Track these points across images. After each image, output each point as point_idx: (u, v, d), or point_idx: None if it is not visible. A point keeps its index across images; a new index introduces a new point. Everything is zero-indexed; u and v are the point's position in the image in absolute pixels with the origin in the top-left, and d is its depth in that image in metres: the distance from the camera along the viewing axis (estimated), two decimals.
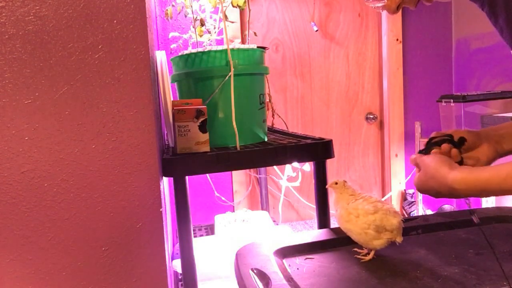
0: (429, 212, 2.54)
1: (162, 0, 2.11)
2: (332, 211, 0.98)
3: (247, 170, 2.32)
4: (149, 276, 0.95)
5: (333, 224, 0.93)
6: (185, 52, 1.15)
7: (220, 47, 1.12)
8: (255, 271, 0.78)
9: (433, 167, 0.72)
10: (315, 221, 1.58)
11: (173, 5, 1.29)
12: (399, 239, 0.81)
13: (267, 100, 1.34)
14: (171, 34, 1.37)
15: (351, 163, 2.60)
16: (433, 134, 0.80)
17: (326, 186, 0.88)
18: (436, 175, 0.71)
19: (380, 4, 0.81)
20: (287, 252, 0.88)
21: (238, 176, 2.32)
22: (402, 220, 0.81)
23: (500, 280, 0.69)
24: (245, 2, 1.21)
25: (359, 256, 0.84)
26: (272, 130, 1.50)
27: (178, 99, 1.17)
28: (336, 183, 0.87)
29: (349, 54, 2.54)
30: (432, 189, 0.72)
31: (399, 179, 2.59)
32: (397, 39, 2.48)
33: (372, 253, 0.82)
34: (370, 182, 2.65)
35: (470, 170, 0.69)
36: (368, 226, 0.79)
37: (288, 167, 2.34)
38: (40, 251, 0.89)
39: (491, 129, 0.82)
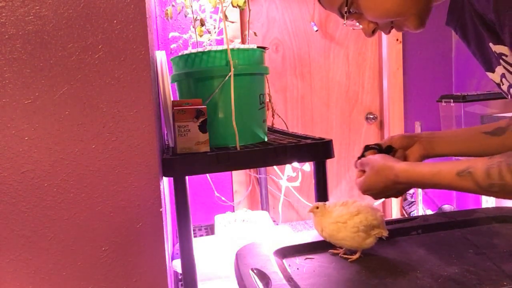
0: (429, 212, 2.54)
1: (162, 0, 2.11)
2: None
3: (247, 170, 2.32)
4: (149, 276, 0.95)
5: None
6: (185, 52, 1.15)
7: (220, 47, 1.12)
8: (255, 271, 0.78)
9: (381, 161, 0.79)
10: None
11: (173, 5, 1.29)
12: (385, 233, 0.83)
13: (267, 100, 1.34)
14: (171, 34, 1.37)
15: (351, 163, 2.60)
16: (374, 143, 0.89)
17: (307, 211, 0.89)
18: (383, 167, 0.78)
19: (356, 27, 0.84)
20: (287, 252, 0.88)
21: (238, 176, 2.32)
22: (382, 214, 0.84)
23: (500, 280, 0.69)
24: (245, 2, 1.21)
25: (345, 256, 0.84)
26: (272, 130, 1.50)
27: (178, 99, 1.17)
28: (317, 208, 0.87)
29: (349, 54, 2.54)
30: (377, 184, 0.79)
31: None
32: (397, 39, 2.48)
33: (358, 252, 0.83)
34: None
35: (412, 163, 0.78)
36: (358, 228, 0.81)
37: (288, 167, 2.34)
38: (40, 251, 0.89)
39: (430, 132, 0.90)
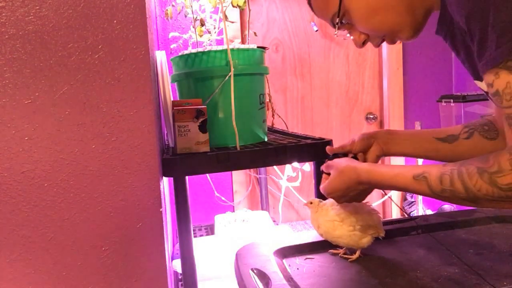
0: (429, 212, 2.54)
1: (162, 0, 2.11)
2: None
3: (247, 170, 2.32)
4: (149, 276, 0.95)
5: None
6: (185, 52, 1.15)
7: (220, 47, 1.12)
8: (255, 271, 0.78)
9: (344, 163, 0.82)
10: None
11: (173, 5, 1.29)
12: (382, 234, 0.84)
13: (267, 100, 1.34)
14: (171, 34, 1.37)
15: None
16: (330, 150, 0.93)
17: (303, 205, 0.91)
18: (347, 168, 0.80)
19: (347, 38, 0.86)
20: (287, 252, 0.88)
21: (238, 176, 2.32)
22: (379, 215, 0.86)
23: (500, 280, 0.69)
24: (245, 2, 1.21)
25: (345, 256, 0.84)
26: (272, 130, 1.50)
27: (178, 99, 1.17)
28: (311, 203, 0.89)
29: (349, 54, 2.54)
30: (340, 185, 0.80)
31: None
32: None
33: (358, 252, 0.83)
34: None
35: (373, 164, 0.81)
36: (354, 228, 0.82)
37: (288, 167, 2.34)
38: (40, 251, 0.89)
39: (388, 132, 0.93)
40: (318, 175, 1.13)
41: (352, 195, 0.82)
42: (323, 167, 0.88)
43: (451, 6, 0.64)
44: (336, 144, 0.98)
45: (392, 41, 0.81)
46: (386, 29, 0.77)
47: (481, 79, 0.66)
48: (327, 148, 0.93)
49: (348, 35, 0.84)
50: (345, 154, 0.91)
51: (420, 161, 2.09)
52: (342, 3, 0.77)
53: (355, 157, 0.91)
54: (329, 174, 0.85)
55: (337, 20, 0.79)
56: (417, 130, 0.96)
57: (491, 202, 0.61)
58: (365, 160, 0.91)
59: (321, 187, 0.85)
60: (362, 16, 0.77)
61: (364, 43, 0.82)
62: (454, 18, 0.67)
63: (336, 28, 0.81)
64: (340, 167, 0.81)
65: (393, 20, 0.75)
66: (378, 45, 0.82)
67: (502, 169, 0.58)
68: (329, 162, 0.86)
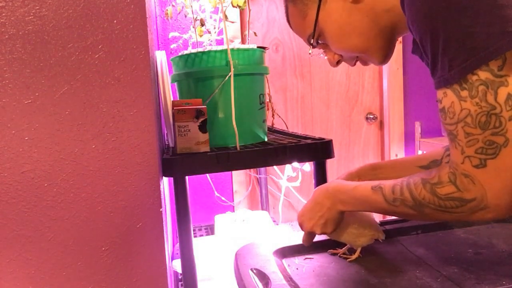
0: None
1: (162, 0, 2.11)
2: None
3: (247, 170, 2.32)
4: (149, 276, 0.95)
5: None
6: (185, 52, 1.15)
7: (220, 47, 1.12)
8: (254, 271, 0.78)
9: (320, 186, 0.85)
10: None
11: (173, 5, 1.29)
12: (382, 236, 0.85)
13: (267, 100, 1.34)
14: (171, 34, 1.37)
15: (351, 163, 2.61)
16: None
17: None
18: (319, 187, 0.84)
19: (322, 57, 0.90)
20: (286, 252, 0.88)
21: (238, 176, 2.32)
22: (372, 218, 0.87)
23: (499, 280, 0.70)
24: (245, 2, 1.22)
25: (344, 256, 0.84)
26: (272, 130, 1.50)
27: (178, 99, 1.17)
28: None
29: None
30: (309, 203, 0.83)
31: None
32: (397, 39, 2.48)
33: (357, 252, 0.83)
34: None
35: (342, 180, 0.84)
36: (347, 226, 0.83)
37: (288, 167, 2.34)
38: (40, 251, 0.89)
39: (372, 167, 0.95)
40: (318, 175, 1.14)
41: (319, 217, 0.81)
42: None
43: (410, 26, 0.66)
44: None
45: (365, 63, 0.85)
46: (358, 51, 0.81)
47: None
48: None
49: (322, 55, 0.89)
50: None
51: None
52: (317, 24, 0.81)
53: None
54: None
55: (312, 40, 0.84)
56: (401, 160, 0.97)
57: (433, 211, 0.66)
58: None
59: (298, 213, 0.88)
60: (335, 38, 0.81)
61: (338, 63, 0.87)
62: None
63: (310, 48, 0.86)
64: (316, 189, 0.85)
65: (364, 44, 0.79)
66: (353, 65, 0.86)
67: (441, 181, 0.64)
68: None
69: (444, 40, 0.59)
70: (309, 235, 0.85)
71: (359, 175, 0.94)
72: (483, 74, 0.57)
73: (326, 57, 0.88)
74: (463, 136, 0.60)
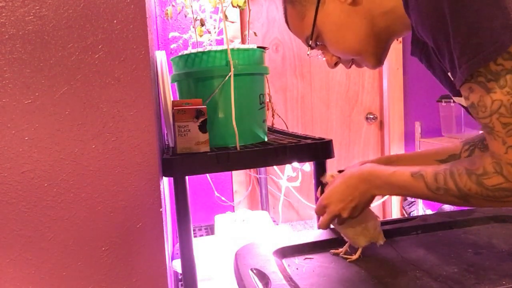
0: (429, 212, 2.54)
1: (162, 0, 2.11)
2: None
3: (247, 170, 2.32)
4: (149, 276, 0.95)
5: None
6: (185, 52, 1.15)
7: (220, 47, 1.12)
8: (254, 271, 0.78)
9: (349, 170, 0.83)
10: (315, 221, 1.58)
11: (173, 5, 1.29)
12: (381, 242, 0.85)
13: (267, 100, 1.34)
14: (171, 34, 1.37)
15: (351, 163, 2.61)
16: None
17: (323, 179, 0.89)
18: (350, 169, 0.81)
19: (319, 59, 0.91)
20: (286, 252, 0.88)
21: (238, 176, 2.32)
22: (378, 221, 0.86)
23: (499, 280, 0.70)
24: (245, 2, 1.21)
25: (345, 256, 0.84)
26: (272, 130, 1.50)
27: (178, 99, 1.17)
28: (333, 176, 0.88)
29: None
30: (339, 187, 0.80)
31: None
32: (397, 39, 2.48)
33: (358, 252, 0.83)
34: None
35: (375, 164, 0.81)
36: (355, 222, 0.82)
37: (288, 167, 2.34)
38: (40, 251, 0.89)
39: (388, 158, 0.93)
40: (318, 175, 1.13)
41: (350, 200, 0.79)
42: (325, 178, 0.88)
43: (417, 29, 0.67)
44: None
45: (359, 66, 0.86)
46: (354, 54, 0.82)
47: (460, 95, 0.69)
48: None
49: (320, 56, 0.89)
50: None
51: None
52: (316, 26, 0.81)
53: None
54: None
55: (311, 42, 0.84)
56: (418, 153, 0.97)
57: (482, 201, 0.65)
58: None
59: (322, 195, 0.84)
60: (333, 40, 0.82)
61: (336, 64, 0.87)
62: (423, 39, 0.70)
63: (309, 49, 0.86)
64: (345, 173, 0.83)
65: (360, 47, 0.80)
66: (349, 67, 0.87)
67: (486, 171, 0.63)
68: (330, 178, 0.86)
69: (457, 36, 0.58)
70: (331, 219, 0.82)
71: None
72: (507, 63, 0.56)
73: (324, 59, 0.88)
74: (500, 127, 0.60)
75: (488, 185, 0.63)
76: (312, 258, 0.86)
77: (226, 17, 1.14)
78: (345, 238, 0.86)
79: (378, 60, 0.81)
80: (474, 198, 0.65)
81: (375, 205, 2.60)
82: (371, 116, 2.59)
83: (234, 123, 1.08)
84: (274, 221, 1.94)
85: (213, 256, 1.49)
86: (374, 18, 0.76)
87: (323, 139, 1.14)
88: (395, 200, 2.60)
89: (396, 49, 2.49)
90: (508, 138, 0.59)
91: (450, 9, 0.58)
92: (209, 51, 1.12)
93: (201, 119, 1.04)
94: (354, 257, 0.83)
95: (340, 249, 0.87)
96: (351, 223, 0.83)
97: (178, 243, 1.17)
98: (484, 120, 0.62)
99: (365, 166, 0.80)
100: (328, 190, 0.83)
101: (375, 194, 0.79)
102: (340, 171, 0.88)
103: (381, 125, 2.63)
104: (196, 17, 1.22)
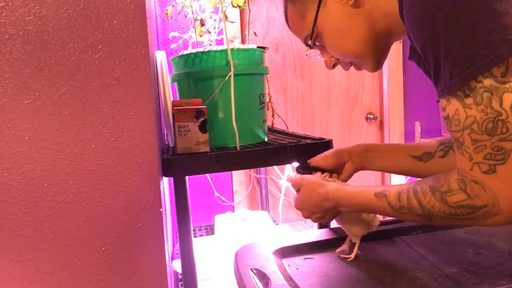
0: None
1: (162, 0, 2.11)
2: None
3: (247, 170, 2.32)
4: (149, 276, 0.95)
5: (333, 224, 0.94)
6: (185, 52, 1.15)
7: (220, 47, 1.12)
8: (254, 271, 0.78)
9: (314, 179, 0.86)
10: None
11: (173, 5, 1.29)
12: (376, 222, 0.87)
13: (267, 100, 1.34)
14: (171, 34, 1.37)
15: None
16: (309, 161, 0.97)
17: (324, 179, 0.91)
18: (317, 184, 0.84)
19: (318, 59, 0.91)
20: (286, 252, 0.88)
21: (238, 176, 2.32)
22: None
23: (499, 280, 0.70)
24: (245, 2, 1.21)
25: (344, 256, 0.84)
26: (272, 130, 1.50)
27: (178, 99, 1.17)
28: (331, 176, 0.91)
29: None
30: (309, 200, 0.85)
31: (399, 179, 2.59)
32: None
33: (355, 251, 0.83)
34: (370, 182, 2.66)
35: (341, 183, 0.86)
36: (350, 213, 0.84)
37: (288, 167, 2.34)
38: (40, 251, 0.89)
39: (364, 148, 0.95)
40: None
41: (317, 212, 0.85)
42: (292, 181, 0.91)
43: (410, 34, 0.67)
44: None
45: (358, 68, 0.85)
46: (353, 57, 0.82)
47: None
48: (308, 161, 0.97)
49: (319, 57, 0.89)
50: (316, 169, 0.93)
51: None
52: (316, 26, 0.81)
53: (330, 173, 0.93)
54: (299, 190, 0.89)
55: (310, 42, 0.84)
56: (394, 146, 0.97)
57: (444, 219, 0.65)
58: (338, 174, 0.95)
59: (295, 199, 0.89)
60: (332, 41, 0.81)
61: (334, 66, 0.87)
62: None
63: (307, 49, 0.86)
64: (311, 183, 0.85)
65: (359, 50, 0.80)
66: (347, 69, 0.87)
67: (451, 188, 0.63)
68: (297, 179, 0.89)
69: (445, 48, 0.58)
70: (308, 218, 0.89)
71: (350, 154, 0.95)
72: (486, 81, 0.56)
73: (322, 59, 0.88)
74: (470, 143, 0.60)
75: (451, 202, 0.63)
76: (312, 258, 0.86)
77: (226, 17, 1.14)
78: (342, 227, 0.88)
79: (377, 63, 0.81)
80: (437, 216, 0.65)
81: None
82: (371, 116, 2.59)
83: (234, 123, 1.08)
84: (274, 221, 1.94)
85: (213, 256, 1.49)
86: (374, 21, 0.76)
87: (323, 139, 1.14)
88: None
89: (396, 49, 2.49)
90: (475, 155, 0.59)
91: (445, 19, 0.57)
92: (209, 51, 1.12)
93: (201, 119, 1.04)
94: (352, 255, 0.83)
95: (341, 248, 0.86)
96: (343, 213, 0.85)
97: (178, 243, 1.17)
98: (456, 134, 0.62)
99: (329, 185, 0.83)
100: (298, 198, 0.88)
101: (341, 210, 0.83)
102: (298, 169, 0.95)
103: (381, 125, 2.63)
104: (196, 17, 1.22)
